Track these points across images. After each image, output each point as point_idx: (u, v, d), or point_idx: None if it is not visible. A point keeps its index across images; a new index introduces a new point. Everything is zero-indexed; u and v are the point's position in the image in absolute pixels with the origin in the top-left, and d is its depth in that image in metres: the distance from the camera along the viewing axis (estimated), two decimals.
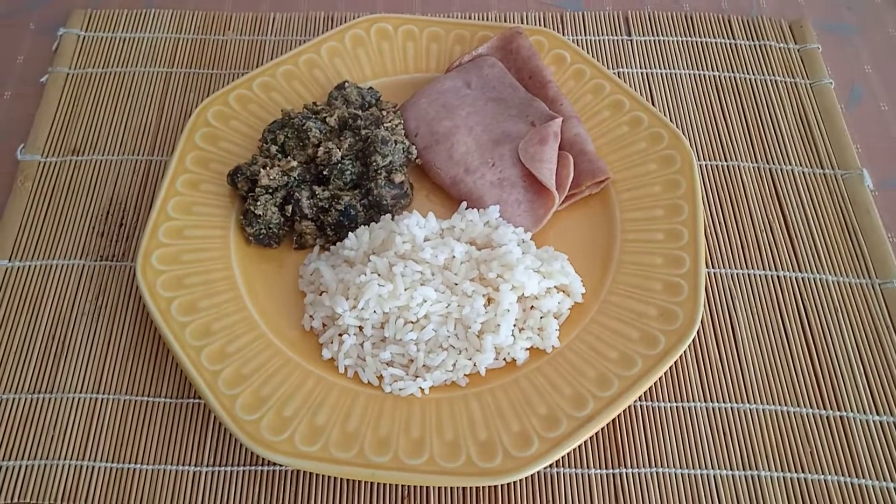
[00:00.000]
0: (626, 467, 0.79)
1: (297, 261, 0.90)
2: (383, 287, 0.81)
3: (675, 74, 1.09)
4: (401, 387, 0.79)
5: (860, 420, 0.82)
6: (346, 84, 0.98)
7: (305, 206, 0.89)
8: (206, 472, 0.79)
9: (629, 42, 1.13)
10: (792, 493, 0.77)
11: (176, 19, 1.15)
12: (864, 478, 0.78)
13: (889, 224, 0.96)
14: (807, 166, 1.01)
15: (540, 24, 1.14)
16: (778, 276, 0.91)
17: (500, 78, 1.01)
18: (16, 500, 0.77)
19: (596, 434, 0.80)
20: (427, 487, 0.77)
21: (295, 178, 0.91)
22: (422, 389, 0.80)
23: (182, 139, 0.94)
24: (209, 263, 0.87)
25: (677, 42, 1.13)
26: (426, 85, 1.02)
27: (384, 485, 0.78)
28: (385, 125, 0.93)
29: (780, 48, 1.12)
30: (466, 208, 0.91)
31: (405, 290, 0.81)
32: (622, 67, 1.10)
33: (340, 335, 0.82)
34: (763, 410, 0.82)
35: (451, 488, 0.77)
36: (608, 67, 1.09)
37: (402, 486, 0.77)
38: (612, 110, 0.99)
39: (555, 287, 0.85)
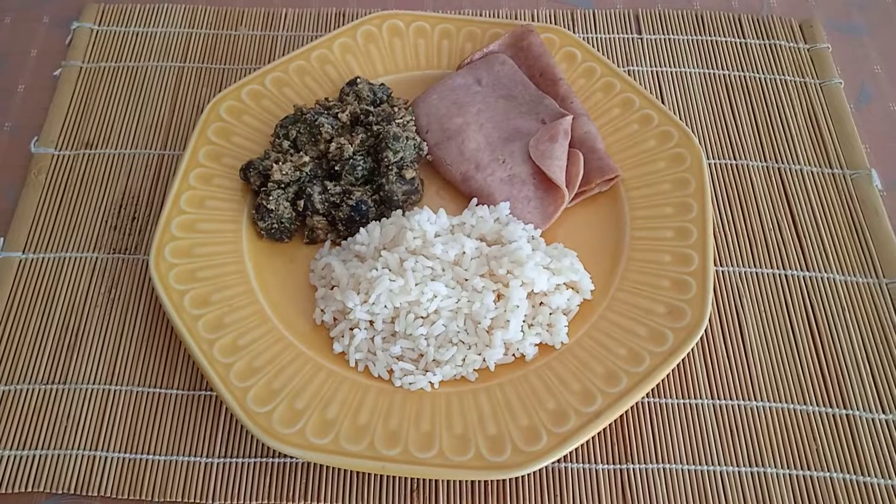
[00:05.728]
0: (633, 463, 0.79)
1: (309, 255, 0.91)
2: (394, 282, 0.81)
3: (686, 73, 1.10)
4: (411, 381, 0.80)
5: (866, 418, 0.82)
6: (358, 80, 0.98)
7: (317, 201, 0.90)
8: (218, 464, 0.80)
9: (639, 40, 1.13)
10: (798, 490, 0.78)
11: (188, 14, 1.15)
12: (869, 476, 0.79)
13: None
14: (816, 166, 1.01)
15: (550, 22, 1.14)
16: (786, 275, 0.92)
17: (511, 75, 1.01)
18: (30, 489, 0.78)
19: (604, 430, 0.80)
20: (436, 480, 0.78)
21: (307, 173, 0.91)
22: (431, 384, 0.80)
23: (195, 134, 0.95)
24: (221, 257, 0.88)
25: (687, 41, 1.13)
26: (437, 82, 1.02)
27: (393, 477, 0.78)
28: (396, 121, 0.93)
29: (789, 47, 1.13)
30: (477, 205, 0.92)
31: (416, 285, 0.81)
32: (632, 66, 1.10)
33: (351, 329, 0.83)
34: (770, 408, 0.83)
35: (460, 482, 0.78)
36: (618, 65, 1.09)
37: (412, 479, 0.78)
38: (622, 108, 0.99)
39: (564, 284, 0.85)
